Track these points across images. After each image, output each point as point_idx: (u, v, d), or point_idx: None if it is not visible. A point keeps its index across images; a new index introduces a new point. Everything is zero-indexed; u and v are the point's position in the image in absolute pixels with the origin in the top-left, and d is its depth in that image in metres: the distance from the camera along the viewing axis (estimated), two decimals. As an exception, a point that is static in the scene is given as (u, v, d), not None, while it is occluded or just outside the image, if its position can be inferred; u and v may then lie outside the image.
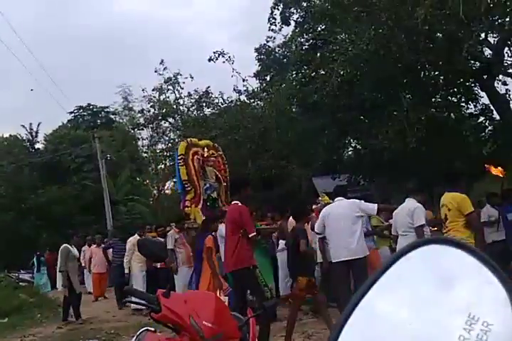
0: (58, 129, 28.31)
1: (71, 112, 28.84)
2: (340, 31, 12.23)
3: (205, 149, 10.29)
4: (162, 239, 9.16)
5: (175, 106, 17.89)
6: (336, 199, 6.22)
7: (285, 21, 15.32)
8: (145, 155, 24.83)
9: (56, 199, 23.00)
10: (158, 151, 19.38)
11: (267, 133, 14.05)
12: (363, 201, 6.12)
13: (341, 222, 5.91)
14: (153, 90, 18.19)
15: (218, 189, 10.32)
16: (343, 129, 12.63)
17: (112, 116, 29.74)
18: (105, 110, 29.58)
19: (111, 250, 11.34)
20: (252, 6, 43.85)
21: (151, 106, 18.57)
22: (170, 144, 18.46)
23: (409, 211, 5.71)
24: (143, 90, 18.48)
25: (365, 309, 0.55)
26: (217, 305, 2.04)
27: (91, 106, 29.48)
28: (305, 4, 14.53)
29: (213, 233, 7.28)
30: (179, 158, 9.49)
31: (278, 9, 14.92)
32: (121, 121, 29.04)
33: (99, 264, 12.11)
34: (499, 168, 7.49)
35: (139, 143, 25.46)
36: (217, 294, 6.12)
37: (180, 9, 57.96)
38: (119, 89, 27.09)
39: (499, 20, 10.96)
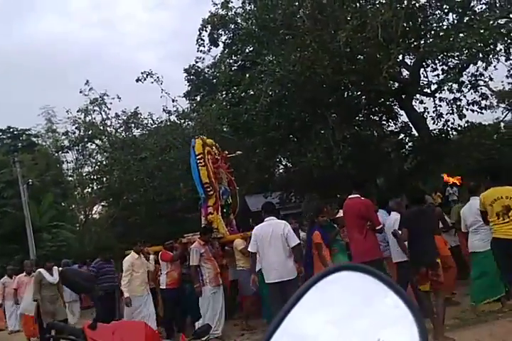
0: (-25, 154, 26.56)
1: (-11, 136, 27.25)
2: (267, 53, 12.53)
3: (214, 149, 9.22)
4: (153, 255, 8.37)
5: (102, 128, 17.36)
6: (266, 219, 6.19)
7: (213, 42, 15.45)
8: (70, 178, 23.81)
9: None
10: (84, 174, 18.64)
11: (199, 153, 13.94)
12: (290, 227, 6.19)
13: (272, 242, 5.94)
14: (78, 111, 17.59)
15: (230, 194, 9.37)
16: (274, 148, 12.83)
17: (34, 139, 28.33)
18: (27, 133, 28.14)
19: None
20: (181, 27, 44.10)
21: (76, 128, 17.95)
22: (97, 167, 17.83)
23: (478, 210, 6.09)
24: (67, 111, 17.79)
25: (281, 336, 0.56)
26: (147, 334, 1.93)
27: (11, 129, 27.95)
28: (232, 26, 14.77)
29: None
30: (198, 157, 8.41)
31: (206, 31, 15.04)
32: (44, 143, 27.76)
33: None
34: (456, 177, 8.15)
35: (64, 166, 24.48)
36: None
37: (108, 30, 57.17)
38: (41, 110, 26.06)
39: (415, 43, 11.73)
